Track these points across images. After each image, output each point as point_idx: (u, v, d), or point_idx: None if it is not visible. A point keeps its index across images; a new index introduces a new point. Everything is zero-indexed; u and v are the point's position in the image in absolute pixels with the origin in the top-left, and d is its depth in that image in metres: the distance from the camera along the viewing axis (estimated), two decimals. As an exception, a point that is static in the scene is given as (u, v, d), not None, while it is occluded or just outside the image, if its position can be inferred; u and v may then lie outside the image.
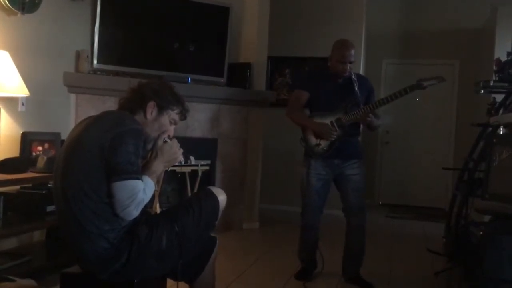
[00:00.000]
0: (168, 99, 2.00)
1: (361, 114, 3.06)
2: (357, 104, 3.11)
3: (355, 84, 3.14)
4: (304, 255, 3.39)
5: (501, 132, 3.43)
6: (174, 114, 2.02)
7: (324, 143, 3.16)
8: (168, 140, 2.00)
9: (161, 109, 1.99)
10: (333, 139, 3.12)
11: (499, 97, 3.86)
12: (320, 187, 3.23)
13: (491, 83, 3.68)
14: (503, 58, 3.67)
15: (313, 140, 3.19)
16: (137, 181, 1.78)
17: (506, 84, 3.62)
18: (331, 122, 3.13)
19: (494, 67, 3.75)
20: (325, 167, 3.21)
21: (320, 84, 3.22)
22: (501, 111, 3.72)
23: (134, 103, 1.97)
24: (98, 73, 4.08)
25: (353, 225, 3.23)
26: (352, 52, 3.13)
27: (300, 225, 3.36)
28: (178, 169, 4.13)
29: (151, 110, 1.97)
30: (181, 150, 2.01)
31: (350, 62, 3.12)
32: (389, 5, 6.87)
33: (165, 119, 2.00)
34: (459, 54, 6.65)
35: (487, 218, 3.50)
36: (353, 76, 3.16)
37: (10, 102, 3.20)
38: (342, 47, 3.14)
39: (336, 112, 3.14)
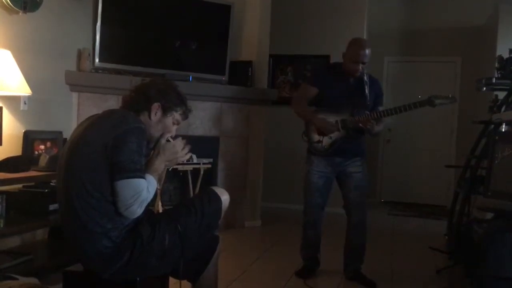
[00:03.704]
0: (173, 101, 2.00)
1: (364, 120, 3.03)
2: (365, 107, 3.09)
3: (366, 87, 3.10)
4: (306, 253, 3.39)
5: (503, 130, 3.43)
6: (177, 115, 2.04)
7: (325, 142, 3.15)
8: (171, 140, 2.00)
9: (165, 110, 1.99)
10: (335, 139, 3.10)
11: (501, 95, 3.86)
12: (321, 184, 3.23)
13: (493, 81, 3.68)
14: (505, 55, 3.66)
15: (315, 137, 3.18)
16: (140, 179, 1.78)
17: (508, 81, 3.61)
18: (336, 121, 3.11)
19: (496, 65, 3.74)
20: (327, 165, 3.20)
21: (331, 82, 3.17)
22: (503, 109, 3.71)
23: (138, 103, 1.98)
24: (100, 71, 4.08)
25: (353, 221, 3.23)
26: (367, 52, 3.06)
27: (302, 223, 3.37)
28: (180, 167, 4.14)
29: (156, 111, 1.98)
30: (186, 150, 2.02)
31: (363, 63, 3.06)
32: (391, 3, 6.85)
33: (168, 120, 2.01)
34: (461, 52, 6.63)
35: (489, 215, 3.49)
36: (365, 78, 3.12)
37: (12, 101, 3.20)
38: (356, 46, 3.09)
39: (342, 113, 3.11)
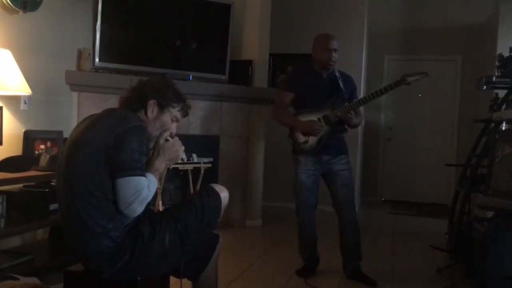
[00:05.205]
0: (170, 97, 1.99)
1: (344, 111, 3.10)
2: (343, 100, 3.16)
3: (340, 81, 3.19)
4: (304, 252, 3.40)
5: (503, 128, 3.42)
6: (175, 111, 2.01)
7: (312, 140, 3.19)
8: (170, 139, 1.99)
9: (162, 107, 1.98)
10: (321, 136, 3.15)
11: (501, 93, 3.85)
12: (311, 183, 3.26)
13: (494, 79, 3.68)
14: (506, 53, 3.65)
15: (301, 138, 3.22)
16: (141, 177, 1.77)
17: (509, 80, 3.61)
18: (319, 118, 3.17)
19: (497, 63, 3.73)
20: (314, 163, 3.24)
21: (305, 82, 3.25)
22: (503, 107, 3.71)
23: (135, 101, 1.97)
24: (100, 71, 4.08)
25: (345, 220, 3.25)
26: (335, 41, 3.16)
27: (297, 223, 3.38)
28: (180, 166, 4.14)
29: (152, 108, 1.97)
30: (183, 148, 2.01)
31: (335, 50, 3.14)
32: (391, 1, 6.85)
33: (166, 117, 1.99)
34: (461, 50, 6.63)
35: (489, 214, 3.49)
36: (337, 73, 3.21)
37: (12, 101, 3.20)
38: (324, 36, 3.21)
39: (322, 109, 3.17)
